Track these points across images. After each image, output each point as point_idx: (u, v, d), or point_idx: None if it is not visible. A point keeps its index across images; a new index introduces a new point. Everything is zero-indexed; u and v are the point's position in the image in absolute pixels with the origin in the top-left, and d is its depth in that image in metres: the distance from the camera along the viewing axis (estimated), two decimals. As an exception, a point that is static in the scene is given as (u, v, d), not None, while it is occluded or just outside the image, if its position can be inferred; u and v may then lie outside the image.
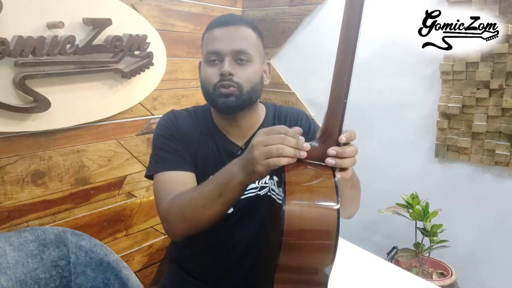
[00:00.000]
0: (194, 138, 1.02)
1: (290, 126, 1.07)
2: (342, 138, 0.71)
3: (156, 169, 0.98)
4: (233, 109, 0.95)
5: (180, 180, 0.96)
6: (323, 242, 0.66)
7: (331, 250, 0.66)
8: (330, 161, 0.72)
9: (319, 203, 0.68)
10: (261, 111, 1.09)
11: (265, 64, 1.04)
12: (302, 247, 0.67)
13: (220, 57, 0.94)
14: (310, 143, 0.74)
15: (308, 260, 0.68)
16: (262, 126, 1.06)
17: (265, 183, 1.06)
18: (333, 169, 0.72)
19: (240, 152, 1.03)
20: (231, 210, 1.03)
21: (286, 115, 1.11)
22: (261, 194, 1.05)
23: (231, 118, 1.02)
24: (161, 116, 1.07)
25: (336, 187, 0.68)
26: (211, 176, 0.90)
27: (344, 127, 0.73)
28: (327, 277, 0.71)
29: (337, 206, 0.66)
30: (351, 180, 0.88)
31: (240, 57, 0.94)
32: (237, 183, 0.79)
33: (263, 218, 1.02)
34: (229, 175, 0.81)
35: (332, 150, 0.71)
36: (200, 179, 1.00)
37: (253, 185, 1.04)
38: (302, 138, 0.74)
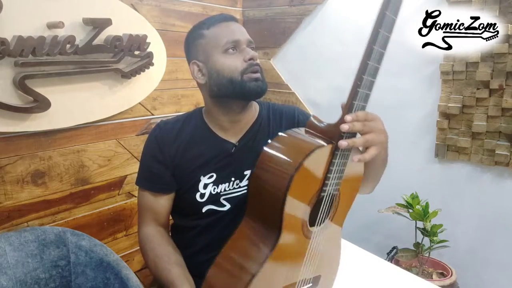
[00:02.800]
0: (181, 145, 1.05)
1: (286, 123, 1.10)
2: (347, 118, 0.76)
3: (140, 184, 1.11)
4: (263, 91, 1.00)
5: (155, 204, 1.08)
6: (275, 187, 0.80)
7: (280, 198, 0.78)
8: (342, 142, 0.76)
9: (286, 161, 0.81)
10: (254, 107, 1.12)
11: None
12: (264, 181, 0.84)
13: (238, 46, 0.99)
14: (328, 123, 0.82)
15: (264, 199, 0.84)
16: (257, 122, 1.09)
17: None
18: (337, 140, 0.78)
19: (234, 149, 1.06)
20: (226, 207, 1.06)
21: (281, 112, 1.13)
22: None
23: (236, 112, 1.04)
24: (161, 116, 1.09)
25: (311, 151, 0.77)
26: (170, 269, 0.98)
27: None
28: (279, 220, 0.80)
29: (292, 173, 0.76)
30: (381, 158, 0.92)
31: (251, 45, 1.01)
32: None
33: None
34: None
35: (344, 125, 0.75)
36: (191, 184, 1.05)
37: (247, 182, 1.06)
38: None
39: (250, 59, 0.98)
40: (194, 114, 1.11)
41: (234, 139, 1.07)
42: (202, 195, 1.05)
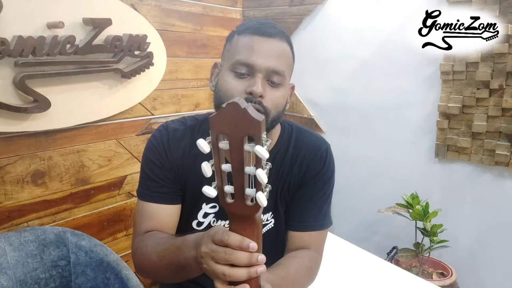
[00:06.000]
0: (185, 165, 0.90)
1: (307, 166, 0.92)
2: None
3: (140, 195, 0.92)
4: None
5: (159, 215, 0.90)
6: None
7: None
8: None
9: None
10: (274, 133, 0.92)
11: (290, 87, 0.90)
12: None
13: (251, 72, 0.80)
14: None
15: None
16: (273, 152, 0.91)
17: (267, 220, 0.95)
18: None
19: None
20: None
21: (305, 150, 0.92)
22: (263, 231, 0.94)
23: None
24: (161, 116, 1.05)
25: None
26: (172, 242, 0.78)
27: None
28: None
29: None
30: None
31: (272, 79, 0.81)
32: (193, 271, 0.69)
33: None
34: (185, 261, 0.70)
35: None
36: (190, 208, 0.93)
37: None
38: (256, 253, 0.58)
39: (249, 93, 0.78)
40: (202, 129, 0.93)
41: None
42: (199, 224, 0.93)
